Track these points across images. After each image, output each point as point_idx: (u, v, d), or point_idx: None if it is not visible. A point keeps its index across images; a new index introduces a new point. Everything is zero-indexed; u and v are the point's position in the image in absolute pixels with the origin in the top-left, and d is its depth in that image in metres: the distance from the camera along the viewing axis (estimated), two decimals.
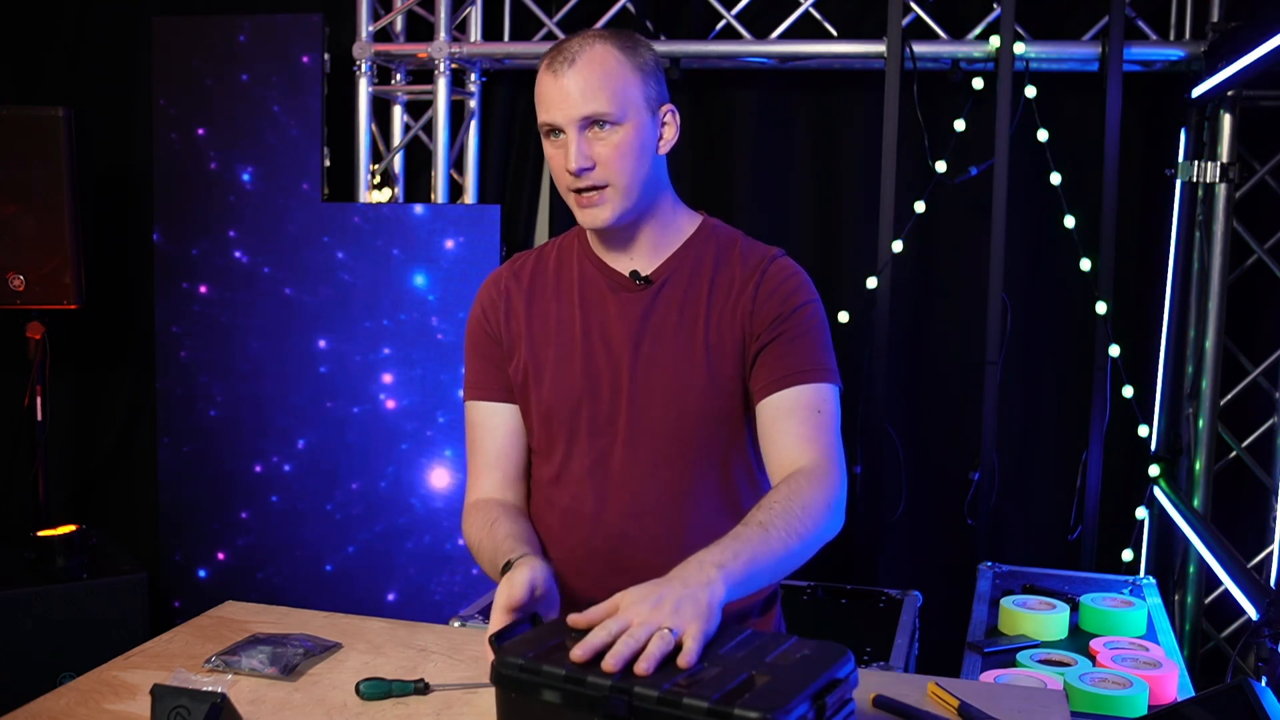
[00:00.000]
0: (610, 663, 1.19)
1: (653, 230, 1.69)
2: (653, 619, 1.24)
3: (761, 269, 1.68)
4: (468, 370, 1.79)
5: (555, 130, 1.60)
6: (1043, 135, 3.22)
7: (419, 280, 3.50)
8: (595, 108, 1.57)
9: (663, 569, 1.36)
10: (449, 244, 3.46)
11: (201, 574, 3.71)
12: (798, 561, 1.50)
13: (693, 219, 1.74)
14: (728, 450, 1.69)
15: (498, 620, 1.42)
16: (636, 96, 1.60)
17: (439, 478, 3.57)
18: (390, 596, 3.59)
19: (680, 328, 1.67)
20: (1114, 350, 3.19)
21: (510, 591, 1.43)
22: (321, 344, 3.60)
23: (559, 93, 1.58)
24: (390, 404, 3.56)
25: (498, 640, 1.32)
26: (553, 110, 1.59)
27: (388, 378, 3.55)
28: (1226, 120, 3.12)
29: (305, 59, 3.54)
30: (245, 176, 3.60)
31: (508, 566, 1.50)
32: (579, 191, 1.61)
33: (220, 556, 3.71)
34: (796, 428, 1.61)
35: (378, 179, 3.73)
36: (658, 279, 1.69)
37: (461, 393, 1.82)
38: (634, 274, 1.69)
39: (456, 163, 3.73)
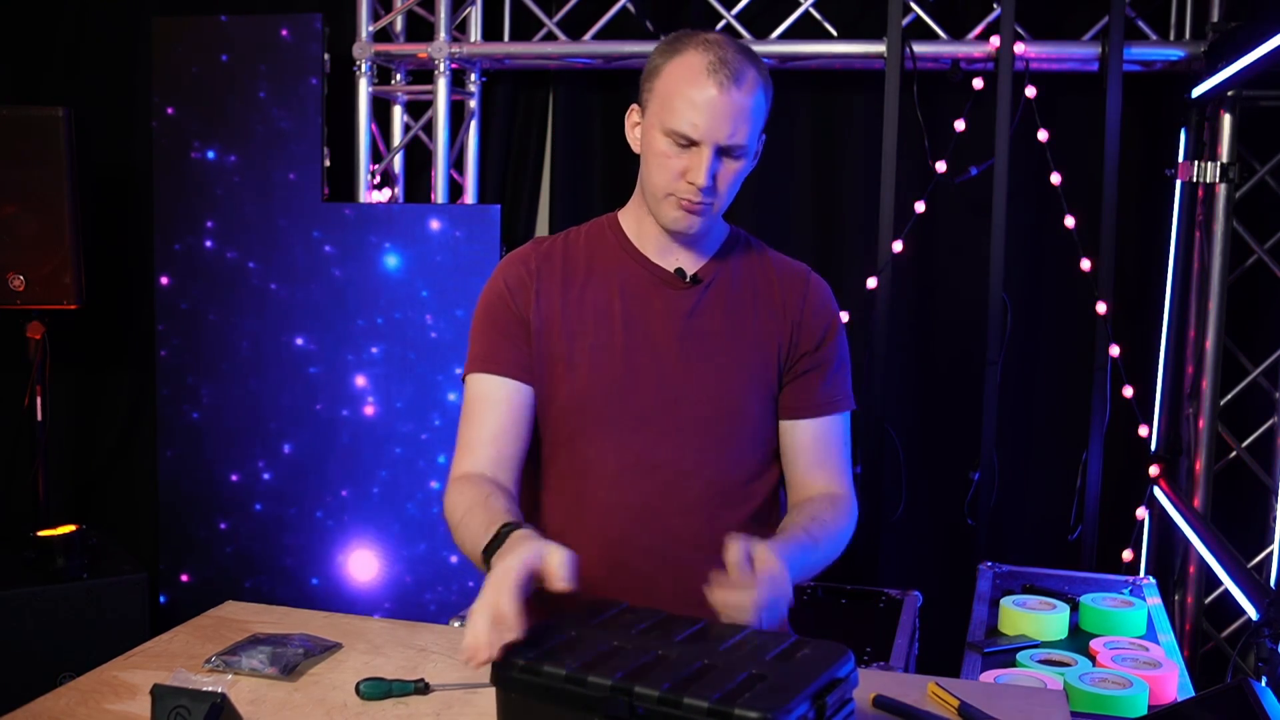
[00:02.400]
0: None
1: (705, 233, 1.72)
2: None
3: (805, 281, 1.76)
4: (478, 343, 1.72)
5: (690, 141, 1.58)
6: (1043, 135, 3.21)
7: (418, 280, 3.48)
8: (739, 141, 1.58)
9: (702, 566, 1.38)
10: (449, 244, 3.46)
11: (185, 581, 3.67)
12: (812, 575, 1.63)
13: (725, 224, 1.78)
14: (765, 450, 1.74)
15: (482, 626, 1.24)
16: (760, 128, 1.63)
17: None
18: (377, 615, 3.54)
19: (726, 328, 1.70)
20: (1114, 350, 3.19)
21: (504, 583, 1.27)
22: (313, 344, 3.56)
23: (717, 111, 1.55)
24: (384, 406, 3.52)
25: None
26: (701, 127, 1.56)
27: (381, 378, 3.52)
28: (1226, 120, 3.12)
29: (304, 59, 3.53)
30: (244, 176, 3.58)
31: (502, 534, 1.41)
32: (685, 199, 1.61)
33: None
34: (835, 458, 1.75)
35: (378, 179, 3.73)
36: (704, 278, 1.71)
37: (461, 369, 1.74)
38: (679, 272, 1.71)
39: (456, 163, 3.73)
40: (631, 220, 1.74)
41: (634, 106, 1.68)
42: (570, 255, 1.74)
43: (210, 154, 3.60)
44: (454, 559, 3.50)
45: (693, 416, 1.68)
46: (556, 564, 1.30)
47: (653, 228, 1.70)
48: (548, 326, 1.69)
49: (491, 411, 1.68)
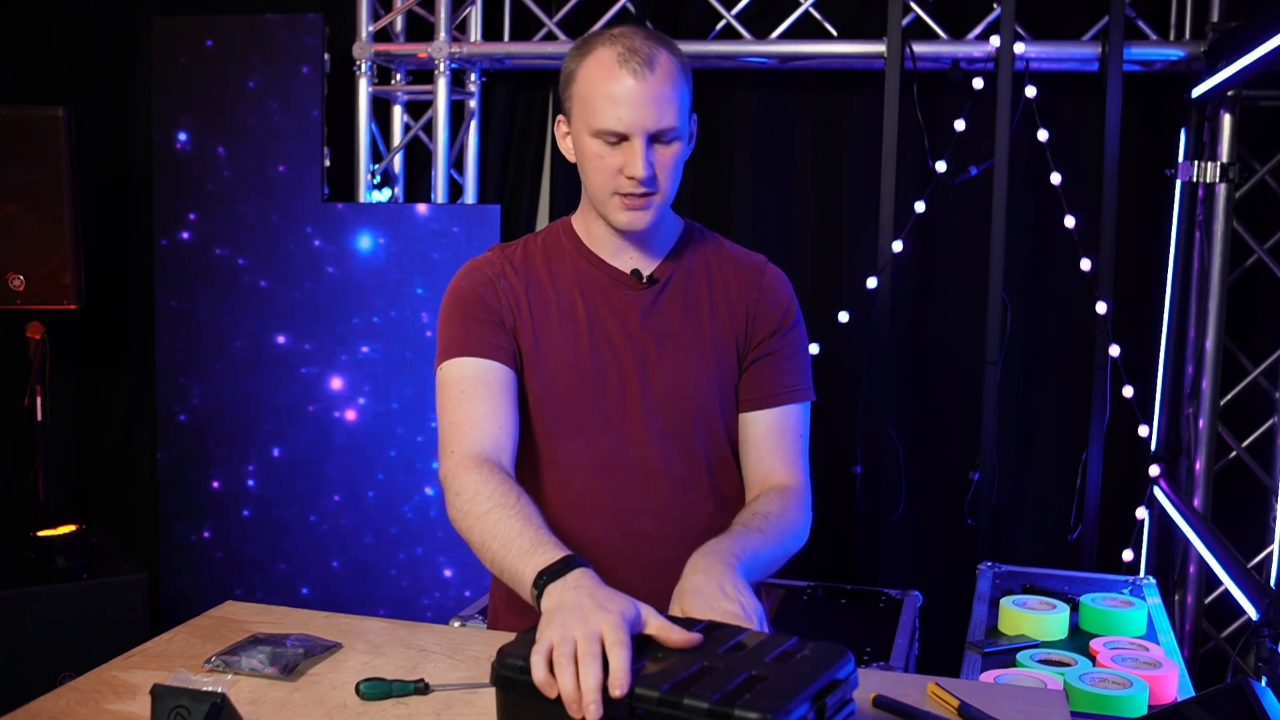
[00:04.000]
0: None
1: (655, 230, 1.71)
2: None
3: (760, 272, 1.75)
4: (454, 332, 1.66)
5: (620, 136, 1.57)
6: (1043, 135, 3.22)
7: (415, 279, 3.48)
8: (668, 123, 1.57)
9: (675, 565, 1.38)
10: (448, 243, 3.45)
11: (178, 585, 3.66)
12: (772, 571, 1.59)
13: (678, 220, 1.77)
14: (726, 445, 1.74)
15: (594, 678, 1.16)
16: (687, 108, 1.62)
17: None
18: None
19: (685, 326, 1.70)
20: (1114, 350, 3.19)
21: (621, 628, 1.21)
22: (308, 344, 3.55)
23: (637, 101, 1.54)
24: (381, 407, 3.51)
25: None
26: (626, 119, 1.55)
27: (378, 378, 3.51)
28: (1226, 120, 3.12)
29: (304, 59, 3.53)
30: (244, 176, 3.59)
31: (563, 566, 1.35)
32: (629, 195, 1.60)
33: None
34: (788, 448, 1.72)
35: (378, 179, 3.73)
36: (660, 277, 1.71)
37: (442, 360, 1.64)
38: (635, 273, 1.71)
39: (456, 163, 3.73)
40: (582, 225, 1.74)
41: (560, 117, 1.68)
42: (528, 261, 1.73)
43: (208, 151, 3.60)
44: (448, 573, 3.49)
45: (657, 416, 1.67)
46: (659, 628, 1.25)
47: (602, 230, 1.70)
48: (520, 327, 1.68)
49: (484, 389, 1.62)
